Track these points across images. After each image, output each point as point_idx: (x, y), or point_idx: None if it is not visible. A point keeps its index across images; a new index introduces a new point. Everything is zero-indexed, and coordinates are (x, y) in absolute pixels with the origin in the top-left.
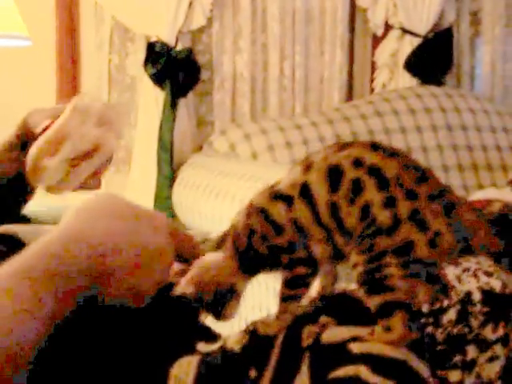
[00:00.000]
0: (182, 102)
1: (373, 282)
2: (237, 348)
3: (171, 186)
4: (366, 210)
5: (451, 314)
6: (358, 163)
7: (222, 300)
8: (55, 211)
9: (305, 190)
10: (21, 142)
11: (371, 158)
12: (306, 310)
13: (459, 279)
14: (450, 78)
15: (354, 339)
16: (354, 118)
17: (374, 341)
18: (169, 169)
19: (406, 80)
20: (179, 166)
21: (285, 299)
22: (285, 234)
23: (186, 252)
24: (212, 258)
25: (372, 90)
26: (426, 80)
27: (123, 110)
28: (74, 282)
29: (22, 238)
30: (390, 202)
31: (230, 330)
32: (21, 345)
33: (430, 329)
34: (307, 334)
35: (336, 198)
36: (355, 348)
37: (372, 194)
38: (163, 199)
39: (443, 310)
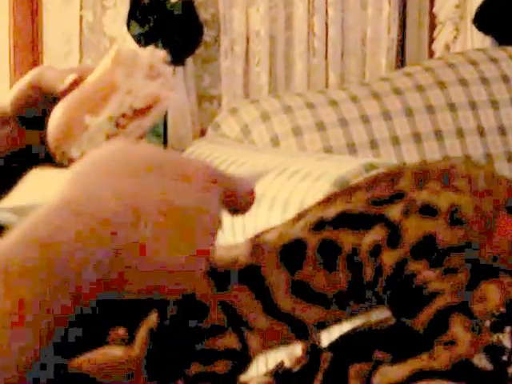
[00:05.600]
0: (179, 72)
1: (408, 299)
2: None
3: None
4: (351, 256)
5: None
6: (319, 226)
7: None
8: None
9: (251, 273)
10: (19, 110)
11: (333, 211)
12: (352, 343)
13: None
14: None
15: (419, 377)
16: (407, 91)
17: (438, 365)
18: None
19: (477, 39)
20: None
21: None
22: (209, 316)
23: (238, 202)
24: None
25: (431, 54)
26: (503, 39)
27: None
28: (70, 280)
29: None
30: (368, 223)
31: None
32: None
33: None
34: (355, 374)
35: (301, 276)
36: None
37: (349, 239)
38: None
39: None
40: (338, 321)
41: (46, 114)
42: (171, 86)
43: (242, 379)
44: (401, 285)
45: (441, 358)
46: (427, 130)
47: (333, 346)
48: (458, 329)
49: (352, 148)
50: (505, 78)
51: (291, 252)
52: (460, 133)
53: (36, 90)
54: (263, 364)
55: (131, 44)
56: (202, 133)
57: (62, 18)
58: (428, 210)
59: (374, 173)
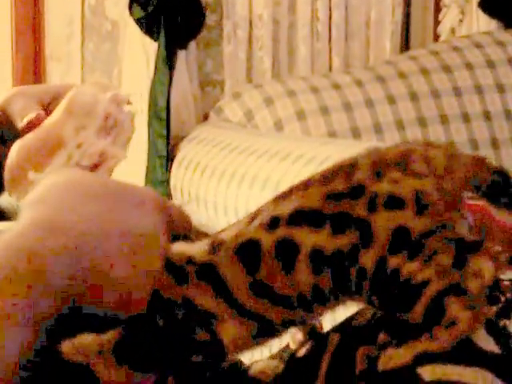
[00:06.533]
0: (182, 56)
1: (398, 297)
2: (267, 379)
3: (168, 167)
4: (314, 258)
5: None
6: (273, 224)
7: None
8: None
9: (209, 272)
10: None
11: (287, 208)
12: (359, 326)
13: None
14: None
15: (423, 360)
16: (412, 75)
17: (439, 346)
18: (164, 145)
19: (483, 23)
20: (178, 141)
21: None
22: (176, 312)
23: (180, 229)
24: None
25: (436, 37)
26: (509, 22)
27: (132, 105)
28: (51, 287)
29: None
30: (338, 228)
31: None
32: None
33: None
34: (362, 357)
35: (260, 277)
36: (426, 373)
37: (308, 238)
38: (157, 185)
39: None
40: (303, 322)
41: (12, 141)
42: (126, 143)
43: (247, 363)
44: (386, 284)
45: (441, 338)
46: (432, 114)
47: (338, 328)
48: (455, 310)
49: (356, 132)
50: (511, 62)
51: (247, 252)
52: (465, 117)
53: (3, 115)
54: (267, 349)
55: (134, 28)
56: (205, 118)
57: (64, 0)
58: (393, 202)
59: (328, 165)
